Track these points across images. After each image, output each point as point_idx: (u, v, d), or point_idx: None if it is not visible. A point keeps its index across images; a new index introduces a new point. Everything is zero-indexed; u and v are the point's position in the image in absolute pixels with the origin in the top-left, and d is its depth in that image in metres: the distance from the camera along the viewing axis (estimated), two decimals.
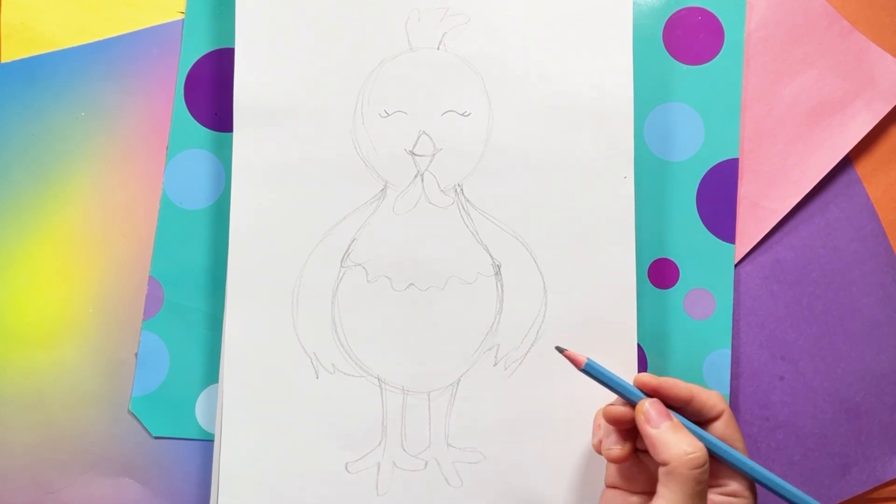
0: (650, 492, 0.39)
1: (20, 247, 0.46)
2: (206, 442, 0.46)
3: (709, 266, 0.47)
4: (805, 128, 0.48)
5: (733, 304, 0.47)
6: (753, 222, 0.48)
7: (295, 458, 0.44)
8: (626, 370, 0.45)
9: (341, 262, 0.45)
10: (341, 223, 0.45)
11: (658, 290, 0.47)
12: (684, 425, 0.38)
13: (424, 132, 0.46)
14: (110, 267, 0.47)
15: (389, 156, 0.46)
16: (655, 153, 0.48)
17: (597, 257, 0.45)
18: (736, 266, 0.48)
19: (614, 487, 0.41)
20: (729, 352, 0.47)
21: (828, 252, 0.48)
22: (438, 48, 0.46)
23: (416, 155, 0.46)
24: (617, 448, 0.40)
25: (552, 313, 0.45)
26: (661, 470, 0.36)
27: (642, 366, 0.47)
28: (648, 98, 0.47)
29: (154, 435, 0.46)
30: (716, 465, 0.39)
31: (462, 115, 0.46)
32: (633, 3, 0.47)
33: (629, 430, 0.40)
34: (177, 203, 0.47)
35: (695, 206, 0.47)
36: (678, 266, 0.47)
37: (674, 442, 0.36)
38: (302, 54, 0.46)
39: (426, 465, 0.45)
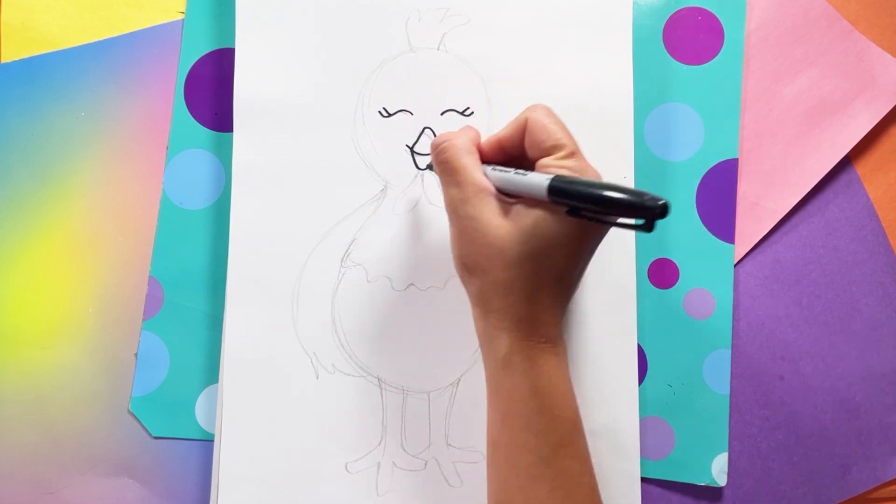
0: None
1: (20, 247, 0.46)
2: (206, 442, 0.46)
3: (709, 266, 0.47)
4: (805, 128, 0.48)
5: (733, 304, 0.47)
6: (753, 222, 0.48)
7: (295, 458, 0.44)
8: (626, 370, 0.45)
9: (341, 261, 0.45)
10: (341, 223, 0.45)
11: (658, 290, 0.47)
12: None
13: (428, 127, 0.46)
14: (110, 267, 0.47)
15: (389, 156, 0.46)
16: (655, 153, 0.48)
17: (597, 257, 0.45)
18: (736, 266, 0.48)
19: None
20: (729, 352, 0.47)
21: (828, 252, 0.48)
22: (438, 48, 0.46)
23: (417, 153, 0.46)
24: None
25: None
26: None
27: (642, 366, 0.47)
28: (648, 98, 0.47)
29: (154, 435, 0.46)
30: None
31: (462, 114, 0.46)
32: (633, 3, 0.48)
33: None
34: (177, 203, 0.47)
35: (694, 206, 0.47)
36: (678, 266, 0.47)
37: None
38: (302, 54, 0.46)
39: (426, 464, 0.45)
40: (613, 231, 0.46)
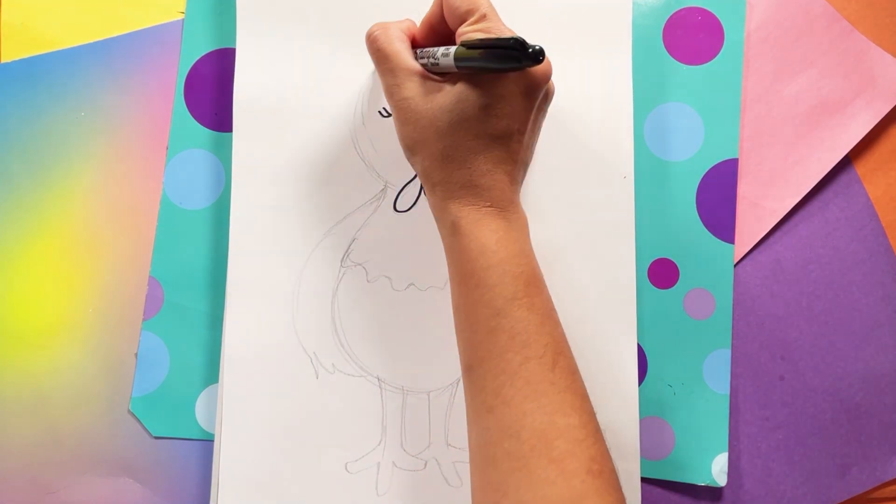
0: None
1: (20, 247, 0.46)
2: (206, 442, 0.46)
3: (708, 266, 0.47)
4: (805, 128, 0.48)
5: (733, 304, 0.47)
6: (753, 222, 0.48)
7: (295, 458, 0.44)
8: (626, 370, 0.45)
9: (341, 262, 0.45)
10: (341, 223, 0.45)
11: (658, 290, 0.47)
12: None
13: None
14: (110, 267, 0.47)
15: (389, 155, 0.46)
16: (655, 153, 0.48)
17: (597, 257, 0.45)
18: (735, 266, 0.48)
19: None
20: (729, 352, 0.47)
21: (828, 252, 0.48)
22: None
23: None
24: None
25: None
26: None
27: (642, 366, 0.47)
28: (648, 98, 0.47)
29: (154, 435, 0.46)
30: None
31: None
32: (633, 3, 0.48)
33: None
34: (177, 203, 0.47)
35: (694, 206, 0.47)
36: (678, 266, 0.47)
37: None
38: (302, 54, 0.46)
39: (426, 464, 0.45)
40: (613, 230, 0.46)
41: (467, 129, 0.36)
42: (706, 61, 0.48)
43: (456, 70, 0.36)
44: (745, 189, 0.48)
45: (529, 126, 0.38)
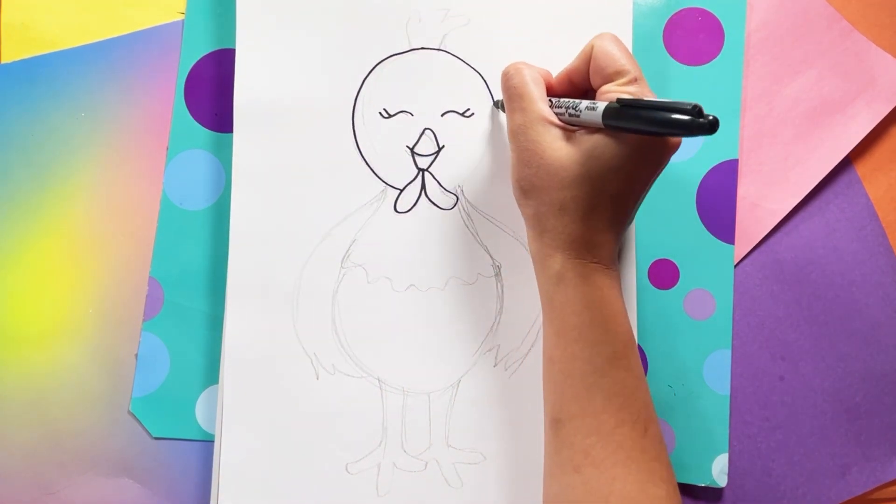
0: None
1: (20, 247, 0.46)
2: (206, 442, 0.46)
3: (708, 266, 0.47)
4: (805, 128, 0.48)
5: (733, 305, 0.47)
6: (753, 222, 0.48)
7: (295, 458, 0.44)
8: None
9: (341, 262, 0.45)
10: (341, 224, 0.45)
11: (658, 290, 0.47)
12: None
13: (428, 128, 0.46)
14: (110, 267, 0.47)
15: (390, 156, 0.46)
16: None
17: None
18: (736, 266, 0.48)
19: None
20: (729, 352, 0.47)
21: (828, 252, 0.48)
22: (439, 49, 0.46)
23: (417, 154, 0.46)
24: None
25: None
26: None
27: (643, 366, 0.47)
28: None
29: (154, 435, 0.46)
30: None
31: (463, 115, 0.46)
32: (633, 3, 0.48)
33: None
34: (177, 203, 0.47)
35: (695, 206, 0.47)
36: (678, 266, 0.47)
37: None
38: (302, 55, 0.46)
39: (426, 465, 0.45)
40: None
41: (592, 185, 0.36)
42: (706, 62, 0.48)
43: (598, 125, 0.35)
44: (745, 189, 0.48)
45: (646, 192, 0.38)
